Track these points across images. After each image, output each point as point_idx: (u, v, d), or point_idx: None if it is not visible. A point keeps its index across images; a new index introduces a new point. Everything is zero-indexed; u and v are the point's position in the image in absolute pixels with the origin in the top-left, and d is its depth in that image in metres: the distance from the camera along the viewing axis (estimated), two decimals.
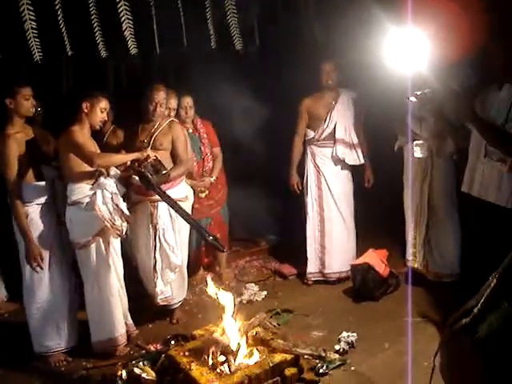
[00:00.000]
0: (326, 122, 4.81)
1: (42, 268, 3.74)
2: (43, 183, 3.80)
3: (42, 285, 3.81)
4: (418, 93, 3.73)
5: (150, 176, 3.66)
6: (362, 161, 4.86)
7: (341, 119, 4.80)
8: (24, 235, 3.70)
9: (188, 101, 4.66)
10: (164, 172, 3.81)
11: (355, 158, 4.83)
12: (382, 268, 4.50)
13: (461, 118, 3.58)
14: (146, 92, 4.08)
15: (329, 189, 4.87)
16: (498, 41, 3.33)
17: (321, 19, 4.77)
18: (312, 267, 4.95)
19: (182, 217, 3.64)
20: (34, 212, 3.76)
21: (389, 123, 4.52)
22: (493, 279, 1.04)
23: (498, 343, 1.01)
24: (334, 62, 4.70)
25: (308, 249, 4.96)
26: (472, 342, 1.03)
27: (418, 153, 4.34)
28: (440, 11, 3.36)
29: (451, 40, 3.29)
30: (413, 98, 3.77)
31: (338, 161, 4.83)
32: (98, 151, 3.88)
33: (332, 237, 4.90)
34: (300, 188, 4.99)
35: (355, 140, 4.82)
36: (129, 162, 3.85)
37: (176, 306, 4.36)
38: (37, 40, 3.55)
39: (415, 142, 4.33)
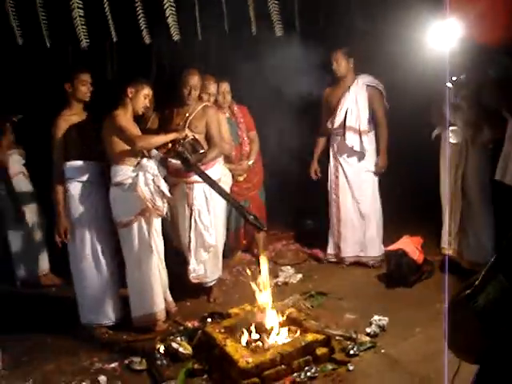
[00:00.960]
0: (337, 111, 4.88)
1: (64, 242, 4.00)
2: (85, 162, 4.01)
3: (86, 261, 4.04)
4: (454, 78, 3.73)
5: (188, 155, 3.81)
6: (368, 148, 4.85)
7: (352, 107, 4.83)
8: (56, 210, 3.97)
9: (225, 86, 4.76)
10: (202, 151, 3.95)
11: (364, 144, 4.84)
12: (416, 254, 4.52)
13: (496, 106, 3.58)
14: (181, 77, 4.21)
15: (345, 177, 4.97)
16: None
17: (362, 6, 4.78)
18: (330, 249, 5.14)
19: (222, 195, 3.78)
20: (74, 189, 3.99)
21: (427, 111, 4.51)
22: (494, 255, 1.15)
23: (493, 311, 1.12)
24: (343, 50, 4.74)
25: (329, 231, 5.14)
26: (472, 310, 1.14)
27: (452, 138, 4.33)
28: None
29: (490, 26, 3.28)
30: (449, 84, 3.78)
31: (353, 149, 4.87)
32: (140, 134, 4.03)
33: (347, 224, 5.02)
34: (319, 175, 5.15)
35: (364, 127, 4.82)
36: (170, 145, 3.98)
37: (210, 284, 4.49)
38: (84, 27, 3.70)
39: (451, 128, 4.32)
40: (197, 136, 4.07)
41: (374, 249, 5.01)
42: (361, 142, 4.84)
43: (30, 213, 5.04)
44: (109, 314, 4.11)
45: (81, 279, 4.07)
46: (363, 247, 5.02)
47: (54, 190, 3.98)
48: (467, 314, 1.16)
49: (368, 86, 4.85)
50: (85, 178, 4.00)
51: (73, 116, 3.99)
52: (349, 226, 5.02)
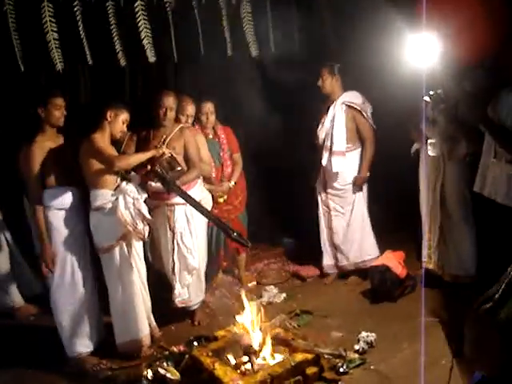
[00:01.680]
0: (319, 129, 4.93)
1: (52, 272, 3.85)
2: (63, 188, 3.89)
3: (65, 290, 3.91)
4: (431, 93, 3.79)
5: (165, 173, 3.84)
6: (346, 167, 4.84)
7: (329, 126, 4.84)
8: (39, 239, 3.84)
9: (209, 107, 4.71)
10: (179, 168, 3.96)
11: (338, 164, 4.82)
12: (399, 269, 4.54)
13: (472, 119, 3.65)
14: (155, 98, 4.18)
15: (332, 190, 4.99)
16: None
17: (335, 24, 4.84)
18: (326, 260, 5.13)
19: (204, 214, 3.76)
20: (53, 216, 3.86)
21: (404, 125, 4.57)
22: (511, 270, 1.16)
23: None
24: (328, 67, 4.74)
25: (322, 244, 5.14)
26: (493, 323, 1.14)
27: (430, 151, 4.37)
28: (456, 12, 3.42)
29: (466, 41, 3.35)
30: (427, 98, 3.83)
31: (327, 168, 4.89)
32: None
33: (339, 233, 5.03)
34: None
35: (339, 148, 4.80)
36: (149, 167, 3.97)
37: (194, 307, 4.43)
38: (58, 50, 3.66)
39: (429, 141, 4.36)
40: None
41: (371, 251, 5.02)
42: (330, 161, 4.81)
43: None
44: (91, 342, 4.01)
45: (60, 308, 3.93)
46: (361, 253, 5.03)
47: (36, 219, 3.82)
48: (488, 328, 1.16)
49: (347, 105, 4.81)
50: (64, 204, 3.88)
51: (47, 142, 3.87)
52: (342, 235, 5.03)
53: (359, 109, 4.80)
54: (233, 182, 4.89)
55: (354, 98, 4.83)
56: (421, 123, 4.32)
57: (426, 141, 4.38)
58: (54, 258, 3.86)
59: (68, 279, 3.91)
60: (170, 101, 4.16)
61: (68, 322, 3.93)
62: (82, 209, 3.99)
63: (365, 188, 5.00)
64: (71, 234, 3.92)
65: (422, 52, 3.28)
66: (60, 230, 3.88)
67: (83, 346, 3.97)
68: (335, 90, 4.83)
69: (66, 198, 3.90)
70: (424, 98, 3.84)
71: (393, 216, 5.33)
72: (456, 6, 3.30)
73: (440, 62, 3.28)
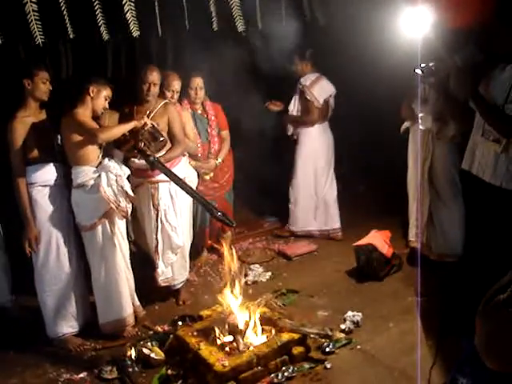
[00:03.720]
0: None
1: (34, 251, 3.76)
2: (46, 164, 3.79)
3: (50, 270, 3.83)
4: (423, 65, 3.74)
5: (147, 148, 3.79)
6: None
7: None
8: (23, 217, 3.73)
9: (198, 82, 4.63)
10: (162, 139, 3.89)
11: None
12: (385, 249, 4.52)
13: (462, 94, 3.60)
14: (139, 73, 4.08)
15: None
16: (505, 18, 3.33)
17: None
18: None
19: (187, 192, 3.70)
20: (37, 193, 3.76)
21: (394, 104, 4.52)
22: None
23: None
24: (298, 54, 5.11)
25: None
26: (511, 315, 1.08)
27: (421, 125, 4.33)
28: None
29: (460, 12, 3.29)
30: (418, 71, 3.77)
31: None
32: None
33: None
34: None
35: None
36: (132, 142, 3.87)
37: (178, 286, 4.39)
38: (38, 23, 3.53)
39: (420, 115, 4.32)
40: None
41: None
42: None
43: None
44: (77, 323, 3.94)
45: (45, 288, 3.84)
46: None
47: (19, 196, 3.71)
48: (505, 321, 1.09)
49: (300, 84, 5.19)
50: (48, 181, 3.79)
51: (29, 117, 3.75)
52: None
53: (301, 88, 5.20)
54: (219, 160, 4.82)
55: (303, 80, 5.20)
56: (413, 102, 4.27)
57: (417, 119, 4.33)
58: (38, 237, 3.77)
59: (53, 258, 3.83)
60: (153, 76, 4.06)
61: (53, 302, 3.86)
62: (67, 186, 3.89)
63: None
64: (56, 212, 3.83)
65: (416, 24, 3.21)
66: (44, 207, 3.79)
67: (68, 326, 3.90)
68: (306, 74, 5.19)
69: (50, 175, 3.81)
70: (416, 70, 3.77)
71: (379, 195, 5.32)
72: None
73: (434, 33, 3.21)
